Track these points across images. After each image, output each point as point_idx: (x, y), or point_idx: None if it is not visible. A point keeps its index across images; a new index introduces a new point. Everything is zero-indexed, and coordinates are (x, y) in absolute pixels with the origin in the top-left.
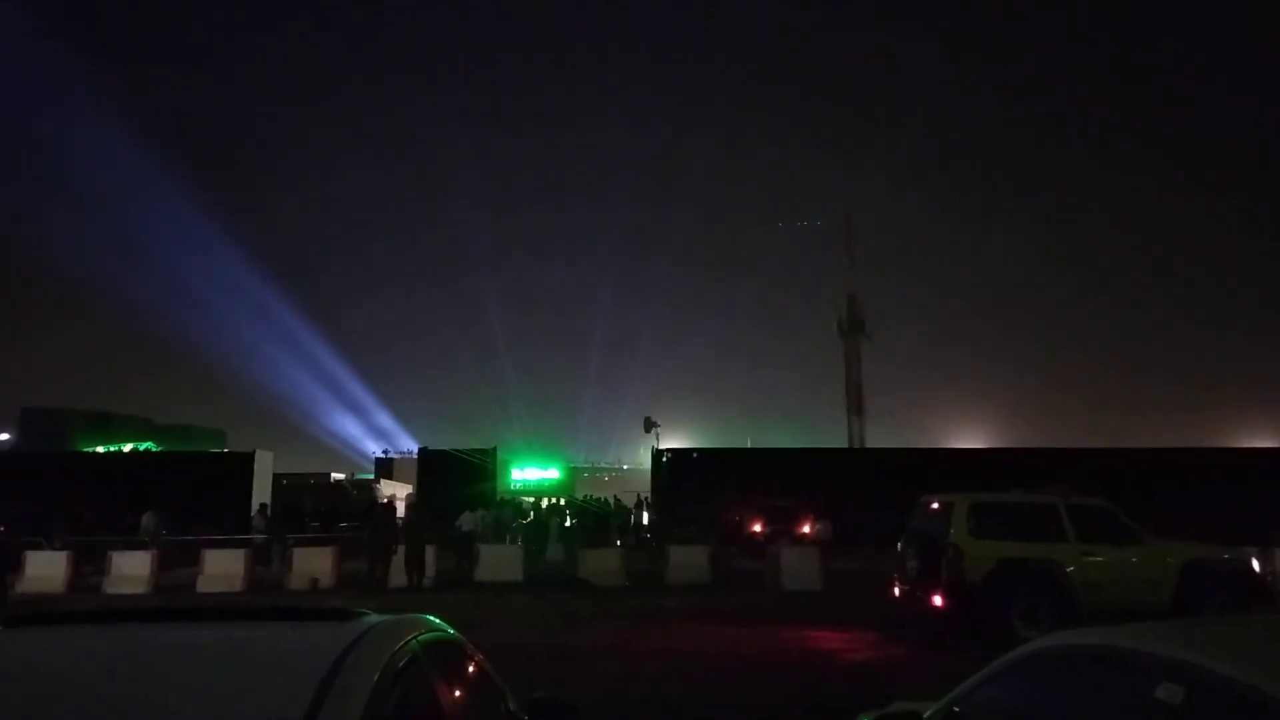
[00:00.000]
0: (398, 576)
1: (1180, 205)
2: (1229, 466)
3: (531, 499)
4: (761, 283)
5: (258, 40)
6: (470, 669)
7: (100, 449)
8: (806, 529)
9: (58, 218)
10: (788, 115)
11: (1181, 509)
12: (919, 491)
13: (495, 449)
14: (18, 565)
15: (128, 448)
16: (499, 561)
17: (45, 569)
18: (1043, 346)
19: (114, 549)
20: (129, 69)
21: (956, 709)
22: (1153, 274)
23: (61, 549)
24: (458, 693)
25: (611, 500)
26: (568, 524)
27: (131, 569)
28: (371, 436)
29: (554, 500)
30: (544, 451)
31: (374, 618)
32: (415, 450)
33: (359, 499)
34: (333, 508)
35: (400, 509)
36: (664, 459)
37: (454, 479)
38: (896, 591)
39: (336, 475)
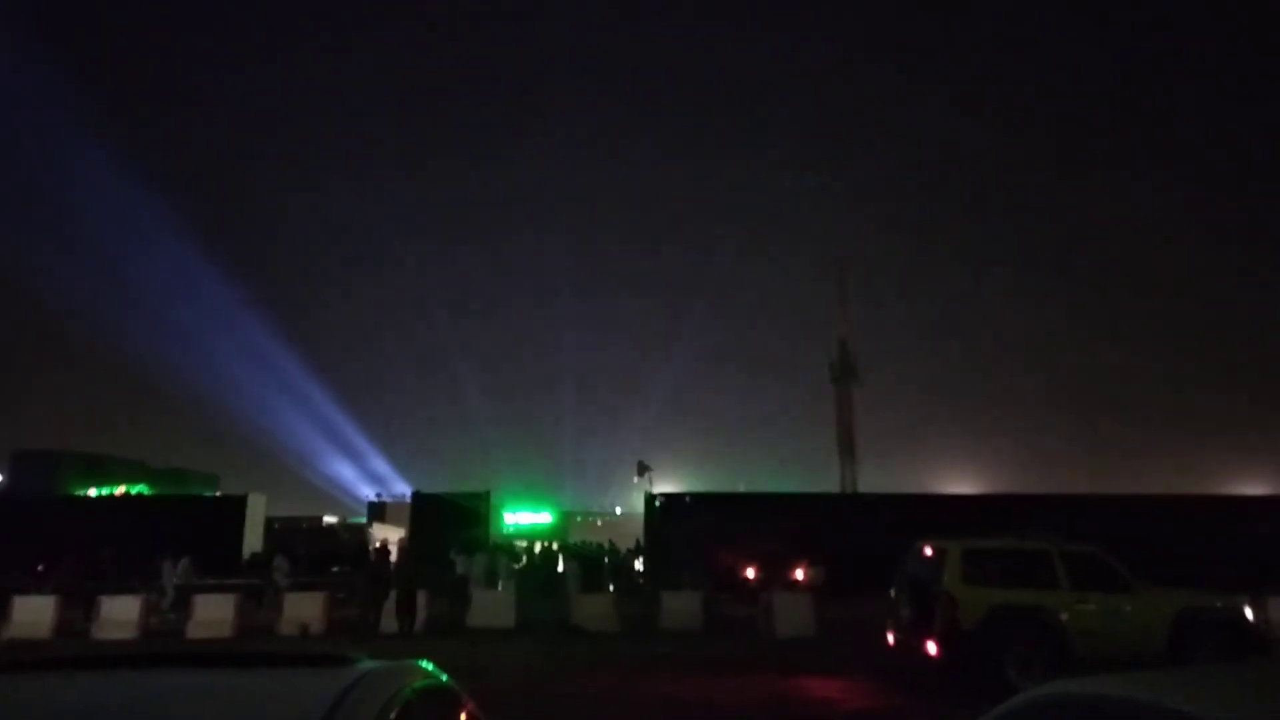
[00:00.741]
0: (389, 622)
1: (1175, 252)
2: (1222, 514)
3: (525, 543)
4: (754, 327)
5: (255, 90)
6: (464, 717)
7: (93, 492)
8: (799, 575)
9: (52, 260)
10: (783, 159)
11: (1174, 556)
12: (912, 537)
13: (489, 493)
14: (4, 610)
15: (120, 491)
16: (491, 607)
17: (32, 614)
18: (1036, 392)
19: (119, 593)
20: (127, 114)
21: None
22: (1147, 322)
23: (52, 593)
24: None
25: (606, 545)
26: (560, 569)
27: (120, 614)
28: (365, 480)
29: (547, 544)
30: (537, 496)
31: (368, 664)
32: (408, 494)
33: (351, 543)
34: (324, 552)
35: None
36: (657, 503)
37: (447, 523)
38: (891, 639)
39: (329, 519)
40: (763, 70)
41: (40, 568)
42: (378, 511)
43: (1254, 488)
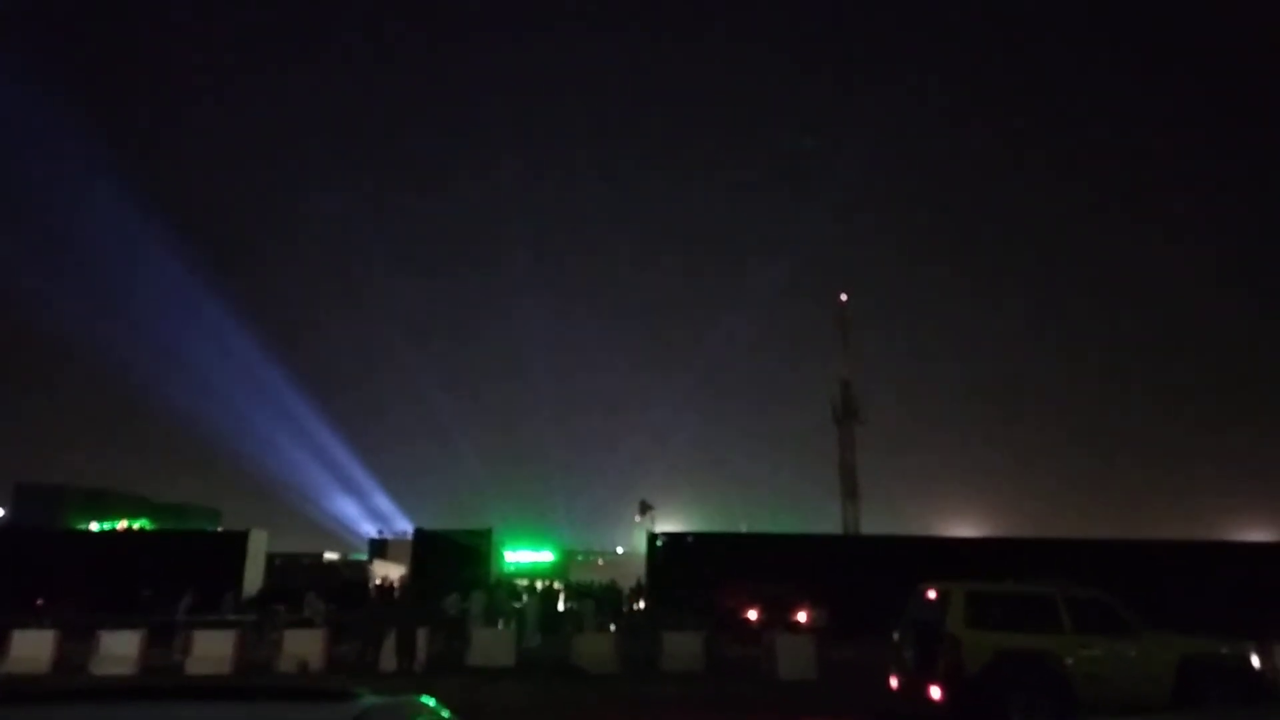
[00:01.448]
0: (388, 660)
1: (1182, 296)
2: (1227, 559)
3: (526, 582)
4: (757, 367)
5: (258, 123)
6: None
7: (94, 526)
8: (802, 616)
9: (57, 294)
10: (785, 192)
11: (1179, 602)
12: (915, 579)
13: (490, 531)
14: (3, 645)
15: (122, 525)
16: (491, 645)
17: (31, 649)
18: (1041, 436)
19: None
20: (129, 141)
21: None
22: (1154, 367)
23: (51, 628)
24: None
25: (610, 584)
26: (562, 608)
27: (120, 649)
28: (367, 517)
29: (549, 583)
30: (538, 535)
31: (371, 699)
32: (410, 531)
33: (351, 580)
34: (324, 589)
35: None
36: (658, 543)
37: (448, 561)
38: (894, 682)
39: (330, 555)
40: (762, 98)
41: (40, 602)
42: (379, 548)
43: (1259, 534)
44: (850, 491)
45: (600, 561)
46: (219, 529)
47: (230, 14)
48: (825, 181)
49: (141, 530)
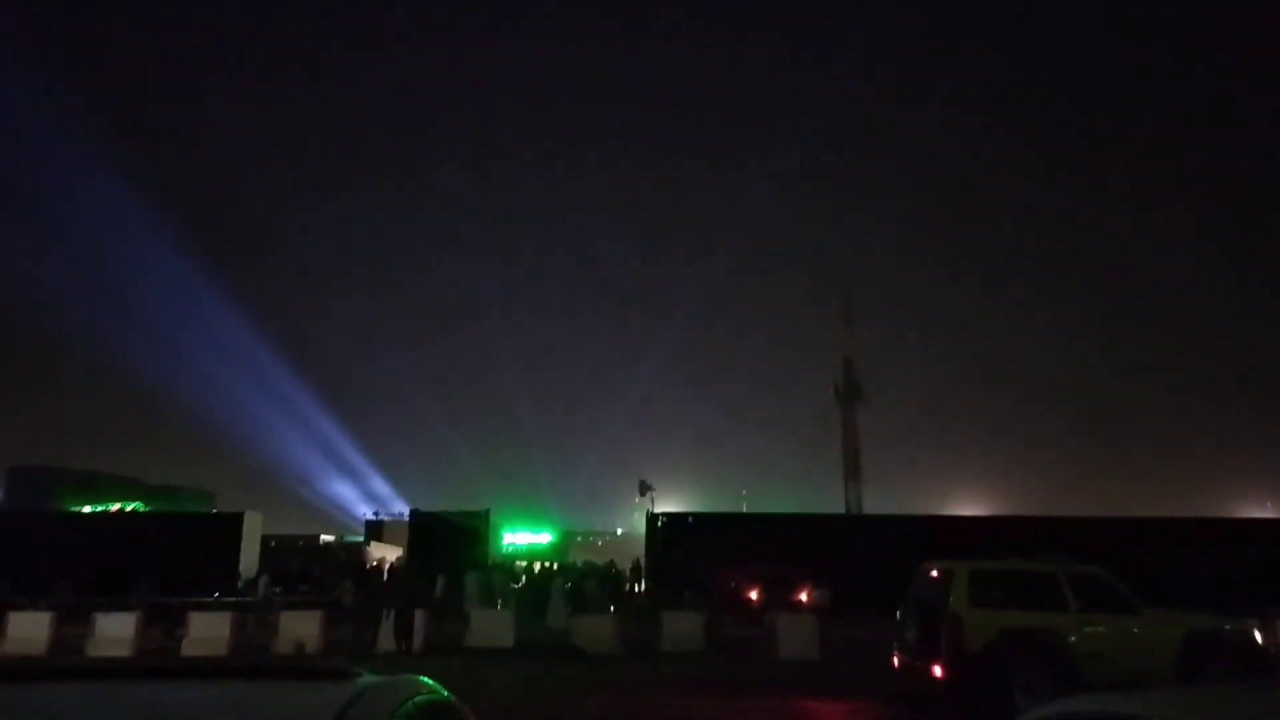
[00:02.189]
0: (386, 641)
1: (1185, 274)
2: (1229, 536)
3: (524, 563)
4: (759, 346)
5: (253, 101)
6: None
7: (88, 509)
8: (804, 596)
9: (50, 278)
10: (788, 175)
11: (1182, 579)
12: (917, 559)
13: (488, 512)
14: None
15: (115, 508)
16: (490, 627)
17: (28, 631)
18: (1044, 415)
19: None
20: (123, 124)
21: None
22: (1156, 344)
23: (46, 609)
24: None
25: (609, 565)
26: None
27: (116, 631)
28: (363, 499)
29: (547, 564)
30: (536, 515)
31: (369, 678)
32: (406, 513)
33: (348, 562)
34: (320, 571)
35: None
36: (659, 523)
37: (445, 542)
38: (896, 661)
39: (326, 537)
40: (764, 83)
41: (37, 584)
42: (375, 530)
43: (1261, 510)
44: (853, 472)
45: (599, 543)
46: (213, 511)
47: (234, 11)
48: (830, 159)
49: (135, 512)
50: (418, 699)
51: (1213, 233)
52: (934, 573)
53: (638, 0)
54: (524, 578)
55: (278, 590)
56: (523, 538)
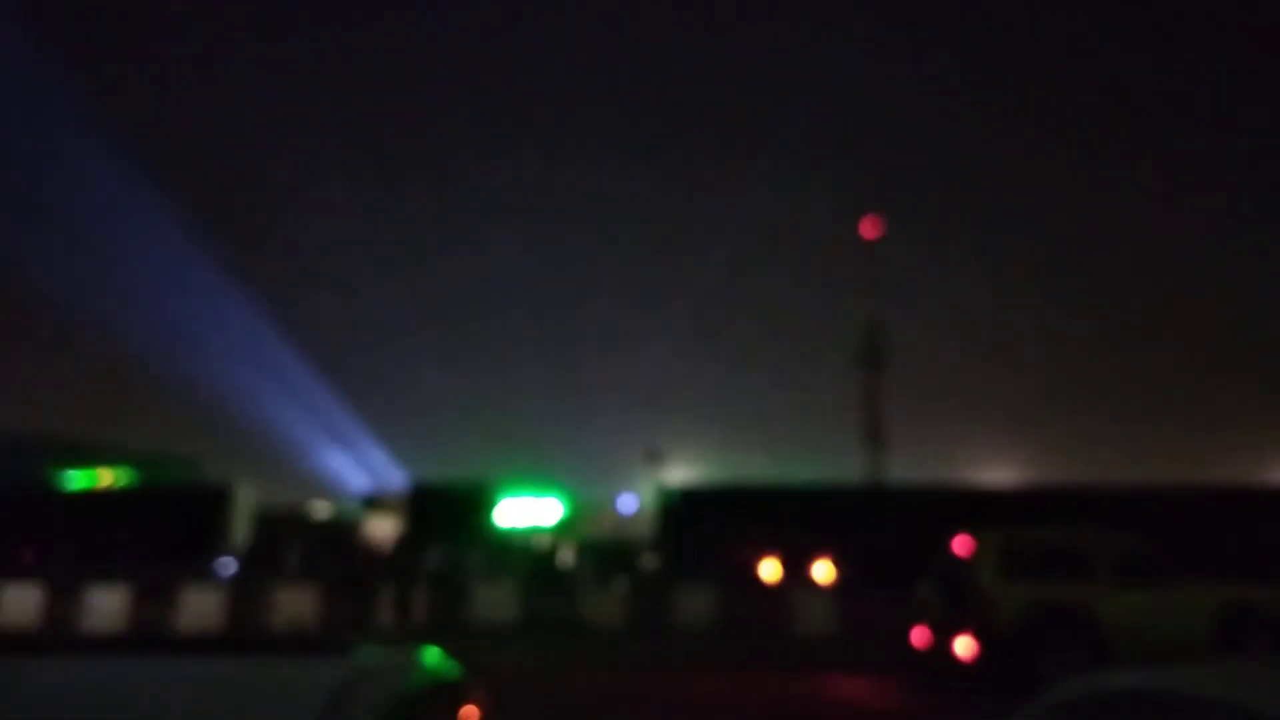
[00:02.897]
0: (386, 616)
1: (1223, 232)
2: (1269, 505)
3: (529, 536)
4: (777, 306)
5: (248, 54)
6: (472, 707)
7: (74, 479)
8: (821, 571)
9: (29, 243)
10: (806, 127)
11: (1219, 549)
12: (942, 531)
13: (491, 483)
14: None
15: (102, 477)
16: (493, 601)
17: (18, 605)
18: (1077, 380)
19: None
20: (107, 76)
21: None
22: (1197, 307)
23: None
24: None
25: (616, 538)
26: (568, 563)
27: (107, 605)
28: (360, 469)
29: (553, 538)
30: (541, 487)
31: (370, 653)
32: (405, 484)
33: (344, 534)
34: (316, 545)
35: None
36: (669, 494)
37: (447, 514)
38: (920, 637)
39: (321, 508)
40: (785, 49)
41: (24, 557)
42: (372, 502)
43: None
44: (875, 439)
45: (605, 514)
46: (201, 479)
47: None
48: (851, 102)
49: (123, 487)
50: (422, 675)
51: (1260, 190)
52: (961, 545)
53: None
54: (529, 551)
55: (271, 563)
56: (526, 509)
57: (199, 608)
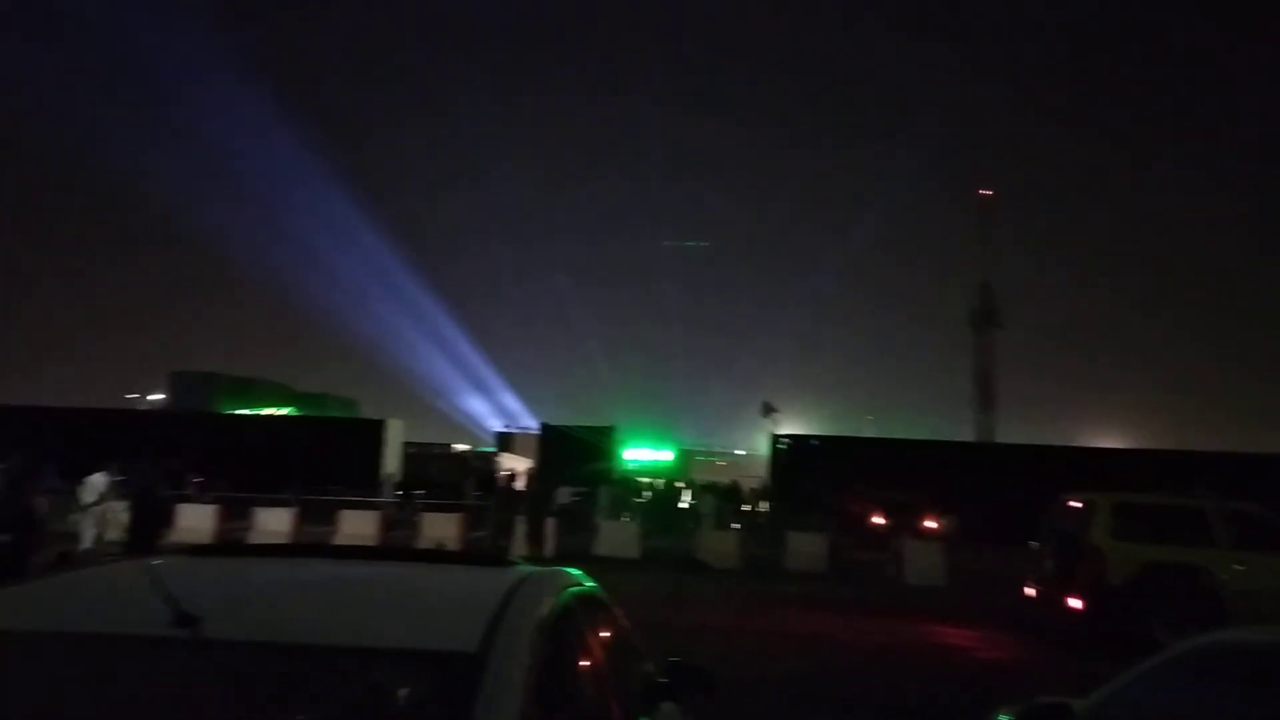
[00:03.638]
0: (519, 547)
1: None
2: None
3: (648, 479)
4: (890, 267)
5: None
6: (614, 625)
7: (243, 412)
8: (931, 523)
9: (207, 198)
10: (926, 96)
11: None
12: (1052, 490)
13: (613, 427)
14: (169, 518)
15: (268, 411)
16: (617, 538)
17: (196, 520)
18: (1193, 344)
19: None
20: (281, 44)
21: (1107, 706)
22: None
23: (212, 503)
24: (605, 645)
25: (733, 484)
26: (684, 505)
27: (274, 524)
28: (493, 413)
29: (669, 481)
30: (658, 433)
31: (527, 567)
32: (533, 426)
33: (480, 470)
34: (456, 477)
35: (520, 482)
36: (781, 445)
37: (572, 455)
38: (1030, 592)
39: (459, 447)
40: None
41: (199, 479)
42: (505, 442)
43: None
44: (986, 400)
45: (721, 462)
46: (358, 417)
47: None
48: (967, 73)
49: (287, 416)
50: (573, 588)
51: None
52: (1075, 503)
53: None
54: (649, 493)
55: (417, 493)
56: (643, 454)
57: (356, 529)
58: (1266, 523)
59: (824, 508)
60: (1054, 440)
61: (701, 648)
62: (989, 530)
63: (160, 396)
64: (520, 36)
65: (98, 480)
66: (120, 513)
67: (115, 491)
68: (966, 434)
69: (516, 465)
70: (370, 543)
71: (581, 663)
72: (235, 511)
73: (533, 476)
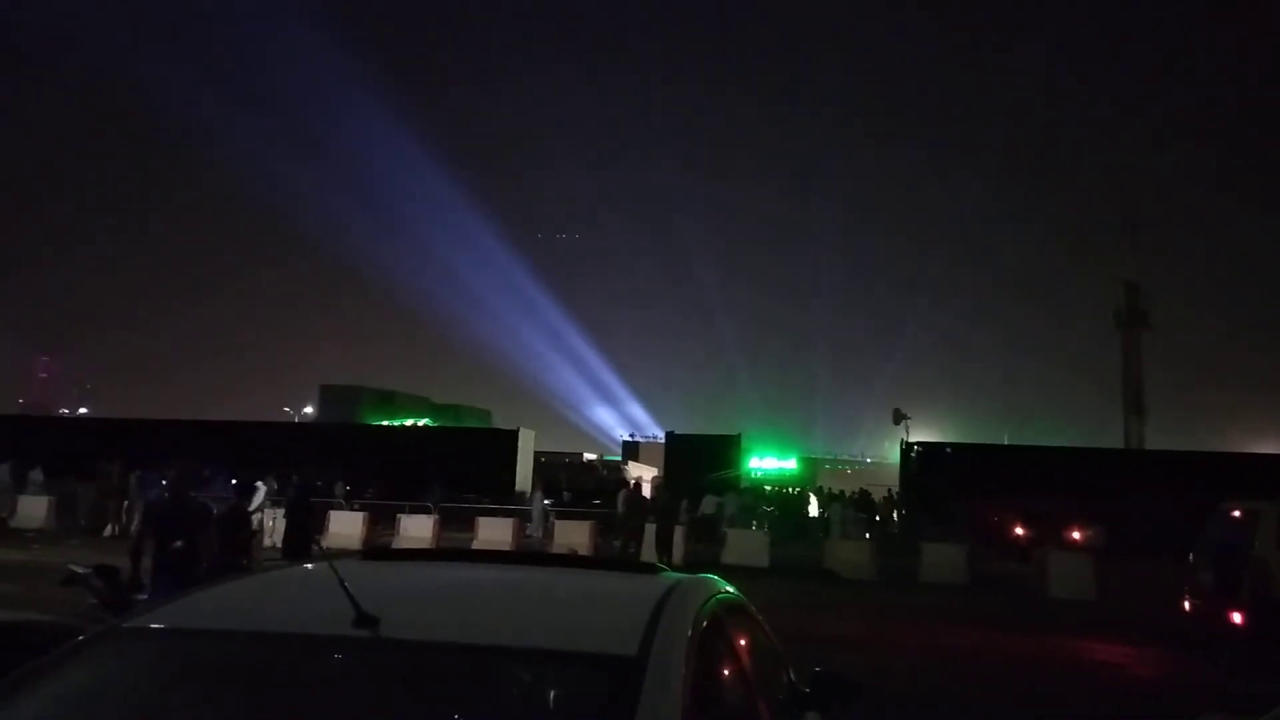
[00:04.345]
0: (648, 554)
1: None
2: None
3: (776, 487)
4: (1027, 268)
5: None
6: (759, 633)
7: (386, 423)
8: (1077, 534)
9: (354, 222)
10: (1071, 90)
11: None
12: (1205, 499)
13: (739, 436)
14: (321, 524)
15: (408, 422)
16: (746, 546)
17: (345, 526)
18: None
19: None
20: (416, 76)
21: None
22: None
23: (361, 510)
24: (751, 652)
25: (863, 492)
26: (813, 513)
27: (416, 531)
28: (620, 423)
29: (796, 489)
30: (782, 441)
31: (675, 574)
32: (658, 435)
33: (608, 479)
34: (585, 485)
35: (646, 490)
36: (913, 453)
37: (699, 463)
38: (1187, 606)
39: (588, 455)
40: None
41: (347, 487)
42: (631, 451)
43: None
44: (1135, 405)
45: (849, 470)
46: (492, 427)
47: None
48: (1116, 73)
49: (427, 426)
50: (719, 596)
51: None
52: (1237, 512)
53: None
54: (778, 501)
55: (549, 501)
56: (769, 463)
57: (492, 535)
58: None
59: (959, 517)
60: (1210, 449)
61: (843, 659)
62: (1139, 541)
63: (310, 410)
64: (690, 67)
65: (259, 489)
66: (277, 519)
67: (271, 499)
68: (1114, 441)
69: (642, 474)
70: (506, 548)
71: (730, 669)
72: (381, 518)
73: (660, 485)
